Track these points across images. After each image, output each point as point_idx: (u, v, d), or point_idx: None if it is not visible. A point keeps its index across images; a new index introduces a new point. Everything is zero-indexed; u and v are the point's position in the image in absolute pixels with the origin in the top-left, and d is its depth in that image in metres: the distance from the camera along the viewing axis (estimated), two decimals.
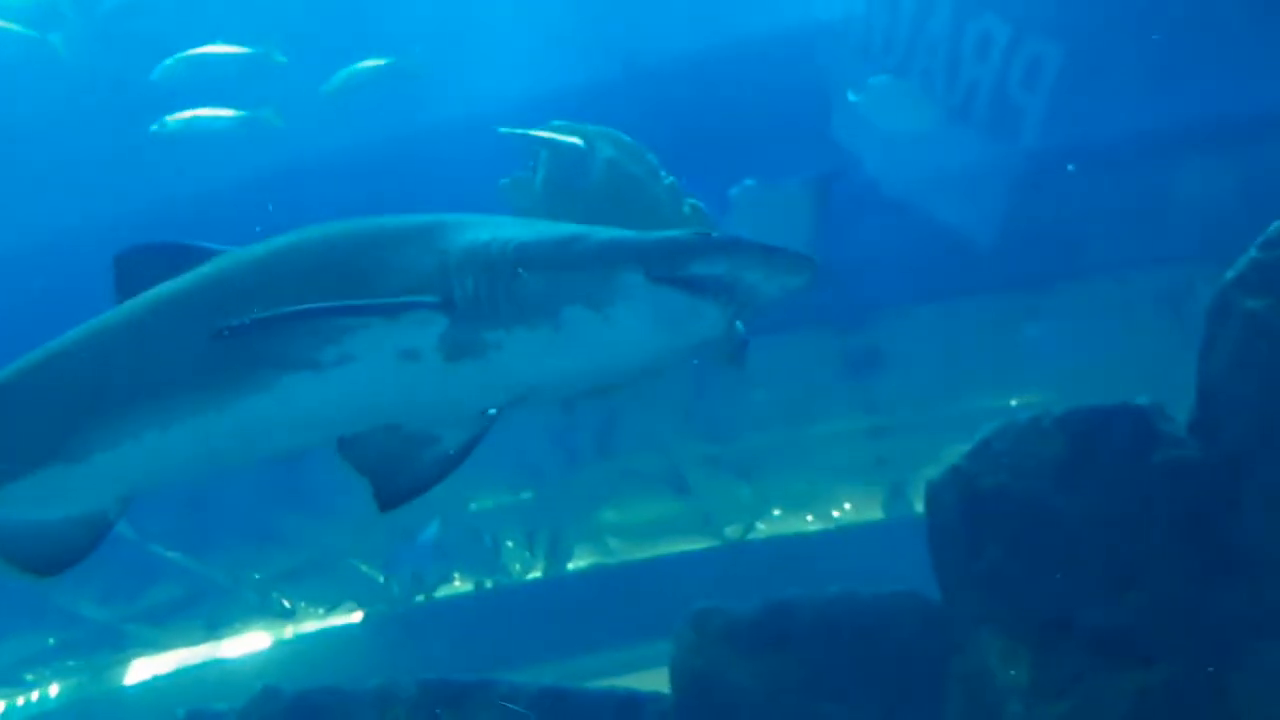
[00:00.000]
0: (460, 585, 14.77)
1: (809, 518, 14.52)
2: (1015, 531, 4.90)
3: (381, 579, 14.39)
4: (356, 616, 15.39)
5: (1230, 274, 4.81)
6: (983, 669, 4.71)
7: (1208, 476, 4.75)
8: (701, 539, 14.24)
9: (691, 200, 5.71)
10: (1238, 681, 4.38)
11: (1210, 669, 4.44)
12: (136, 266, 3.42)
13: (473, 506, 13.70)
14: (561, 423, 12.56)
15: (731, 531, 14.23)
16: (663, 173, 5.68)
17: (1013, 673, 4.57)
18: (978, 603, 4.93)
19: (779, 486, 13.76)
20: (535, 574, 15.10)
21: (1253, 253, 4.79)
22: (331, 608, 15.36)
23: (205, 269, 3.31)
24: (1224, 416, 4.80)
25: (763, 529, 14.49)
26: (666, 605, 5.79)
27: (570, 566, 15.37)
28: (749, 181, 6.42)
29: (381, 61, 8.40)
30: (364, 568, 14.84)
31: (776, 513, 14.35)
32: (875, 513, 14.08)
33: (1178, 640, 4.55)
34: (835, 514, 14.69)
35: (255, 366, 3.01)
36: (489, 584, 15.10)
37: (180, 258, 3.38)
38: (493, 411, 3.21)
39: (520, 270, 2.96)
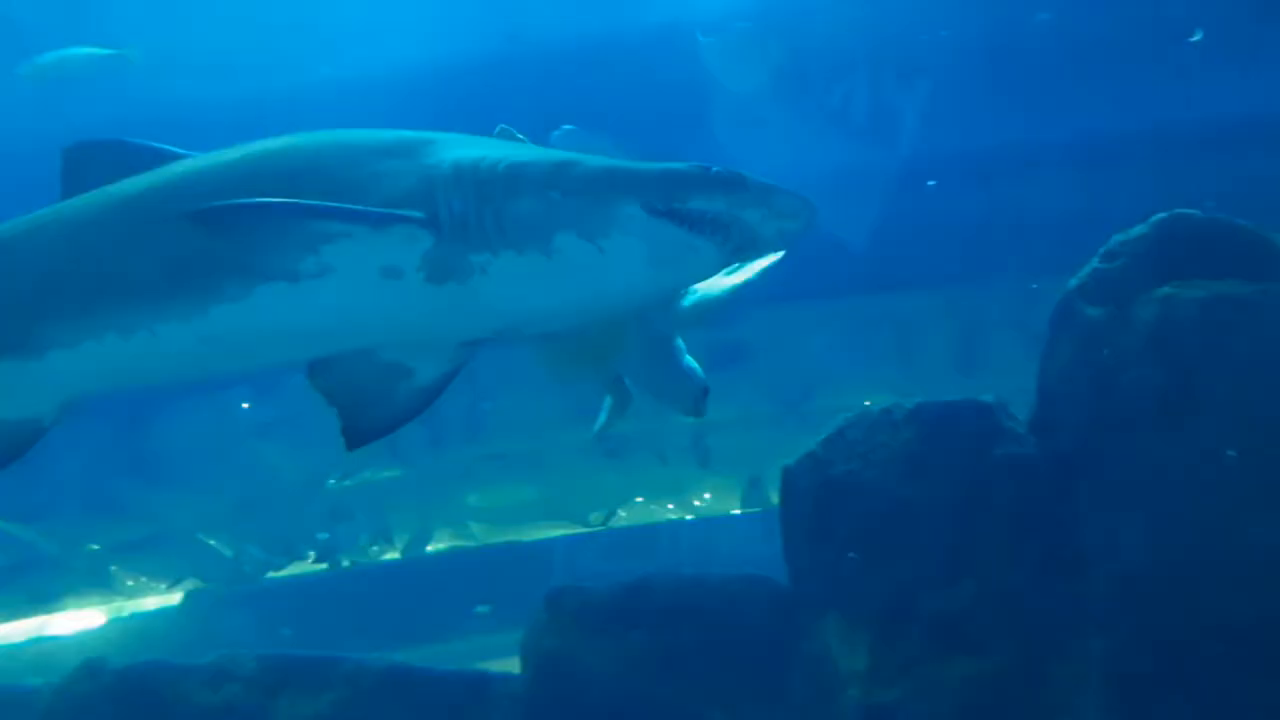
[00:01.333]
0: (315, 564, 14.31)
1: (670, 506, 14.64)
2: (862, 518, 5.00)
3: (230, 554, 13.81)
4: (201, 592, 14.71)
5: (1073, 282, 5.03)
6: (825, 654, 4.77)
7: (1043, 472, 4.95)
8: (565, 524, 14.20)
9: None
10: (1058, 670, 4.58)
11: (1034, 657, 4.64)
12: (85, 163, 3.13)
13: (330, 484, 13.30)
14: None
15: (595, 518, 14.23)
16: None
17: (852, 658, 4.66)
18: (824, 588, 5.00)
19: (644, 474, 13.83)
20: (393, 555, 14.76)
21: (1095, 263, 5.02)
22: (174, 583, 14.63)
23: (177, 167, 3.04)
24: (1061, 416, 5.02)
25: (624, 516, 14.54)
26: (530, 590, 5.72)
27: (430, 549, 15.10)
28: (568, 126, 6.34)
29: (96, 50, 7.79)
30: (212, 542, 14.20)
31: (639, 500, 14.42)
32: (735, 504, 14.32)
33: (1008, 629, 4.71)
34: (696, 503, 14.85)
35: (227, 273, 2.78)
36: (346, 563, 14.68)
37: (133, 158, 3.10)
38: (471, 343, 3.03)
39: (512, 191, 2.78)
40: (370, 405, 3.09)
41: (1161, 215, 4.93)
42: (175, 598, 14.82)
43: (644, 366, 3.82)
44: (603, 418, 4.31)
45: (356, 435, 3.08)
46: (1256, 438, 4.38)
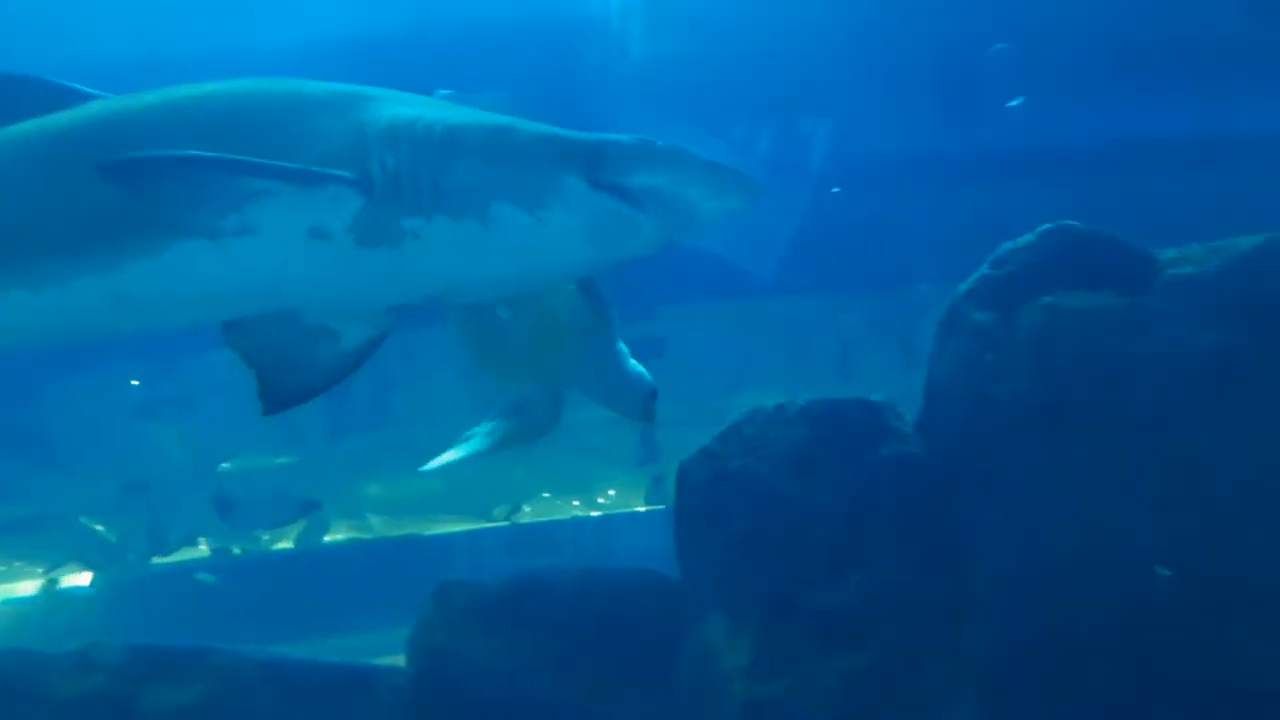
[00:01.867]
0: (205, 551, 13.85)
1: (575, 502, 14.62)
2: (752, 513, 5.02)
3: (114, 538, 13.28)
4: (83, 579, 14.10)
5: (962, 287, 5.15)
6: (710, 649, 4.76)
7: (927, 472, 5.03)
8: (469, 519, 14.03)
9: None
10: (935, 666, 4.67)
11: (913, 653, 4.72)
12: None
13: (225, 467, 12.89)
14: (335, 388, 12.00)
15: (499, 513, 14.10)
16: None
17: (735, 653, 4.67)
18: (712, 583, 5.00)
19: (550, 470, 13.76)
20: (286, 544, 14.38)
21: (984, 269, 5.15)
22: (53, 568, 14.00)
23: (93, 109, 2.82)
24: (946, 418, 5.12)
25: (528, 511, 14.47)
26: (431, 586, 5.57)
27: (327, 539, 14.76)
28: (445, 90, 6.27)
29: None
30: (98, 527, 13.64)
31: (546, 495, 14.37)
32: (640, 501, 14.35)
33: (888, 625, 4.79)
34: (600, 500, 14.86)
35: (144, 229, 2.60)
36: (237, 551, 14.24)
37: (43, 97, 2.88)
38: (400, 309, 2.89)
39: (450, 155, 2.65)
40: (291, 368, 2.96)
41: (1047, 226, 5.06)
42: (56, 582, 14.19)
43: (589, 374, 3.72)
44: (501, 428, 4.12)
45: (275, 399, 2.95)
46: (1124, 444, 4.54)
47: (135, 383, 11.28)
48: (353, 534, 14.91)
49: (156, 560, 13.08)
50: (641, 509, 13.91)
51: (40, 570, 14.28)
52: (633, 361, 3.67)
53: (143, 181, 2.53)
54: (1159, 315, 4.70)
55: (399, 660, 5.14)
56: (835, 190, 8.80)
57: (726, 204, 2.81)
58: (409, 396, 12.58)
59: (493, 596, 4.92)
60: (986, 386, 4.88)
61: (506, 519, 14.35)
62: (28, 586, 14.37)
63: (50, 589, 13.90)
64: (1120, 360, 4.66)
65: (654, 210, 2.73)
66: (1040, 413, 4.72)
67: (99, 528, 13.67)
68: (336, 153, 2.69)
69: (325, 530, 14.97)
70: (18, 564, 14.32)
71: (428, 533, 13.49)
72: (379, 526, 14.62)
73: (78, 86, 2.96)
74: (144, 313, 2.82)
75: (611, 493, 14.70)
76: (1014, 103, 7.73)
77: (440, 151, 2.69)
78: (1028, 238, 5.10)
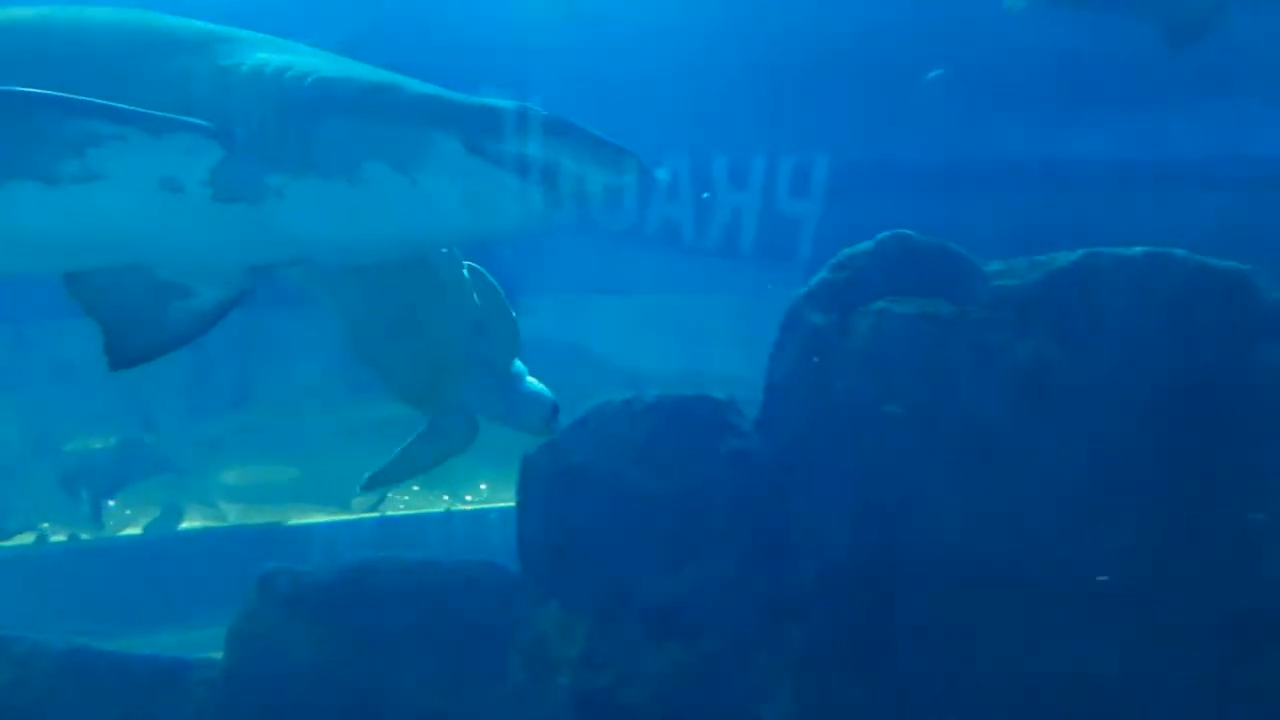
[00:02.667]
0: (38, 535, 13.07)
1: (445, 497, 14.36)
2: (593, 506, 5.02)
3: None
4: None
5: (802, 290, 5.28)
6: (542, 640, 4.74)
7: (764, 468, 5.13)
8: (330, 510, 13.62)
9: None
10: (761, 657, 4.77)
11: (742, 644, 4.81)
12: None
13: (69, 447, 12.20)
14: (191, 366, 11.54)
15: (359, 504, 13.74)
16: None
17: (567, 645, 4.67)
18: (550, 575, 4.99)
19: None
20: (134, 530, 13.71)
21: (824, 273, 5.29)
22: None
23: None
24: (783, 415, 5.23)
25: (403, 505, 14.13)
26: None
27: (182, 527, 14.14)
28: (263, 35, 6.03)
29: None
30: None
31: (416, 488, 14.07)
32: (511, 496, 14.16)
33: (721, 617, 4.87)
34: (468, 497, 14.65)
35: None
36: (85, 536, 13.51)
37: None
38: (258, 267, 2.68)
39: (321, 108, 2.45)
40: (140, 324, 2.75)
41: (885, 234, 5.23)
42: None
43: (486, 396, 3.62)
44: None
45: (122, 355, 2.74)
46: (944, 443, 4.72)
47: None
48: (207, 522, 14.32)
49: None
50: (513, 504, 13.72)
51: None
52: (530, 380, 3.57)
53: None
54: (982, 323, 4.90)
55: None
56: (705, 195, 8.87)
57: (610, 179, 2.69)
58: (272, 380, 12.17)
59: (318, 585, 4.78)
60: (820, 386, 5.01)
61: (373, 510, 14.00)
62: None
63: None
64: (944, 364, 4.85)
65: (534, 181, 2.61)
66: (869, 412, 4.87)
67: None
68: (196, 97, 2.49)
69: (180, 518, 14.34)
70: None
71: (291, 522, 13.06)
72: (234, 515, 14.08)
73: None
74: None
75: (483, 486, 14.49)
76: (932, 75, 7.81)
77: (311, 104, 2.50)
78: (866, 245, 5.25)
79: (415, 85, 2.67)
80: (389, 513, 13.85)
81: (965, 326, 4.88)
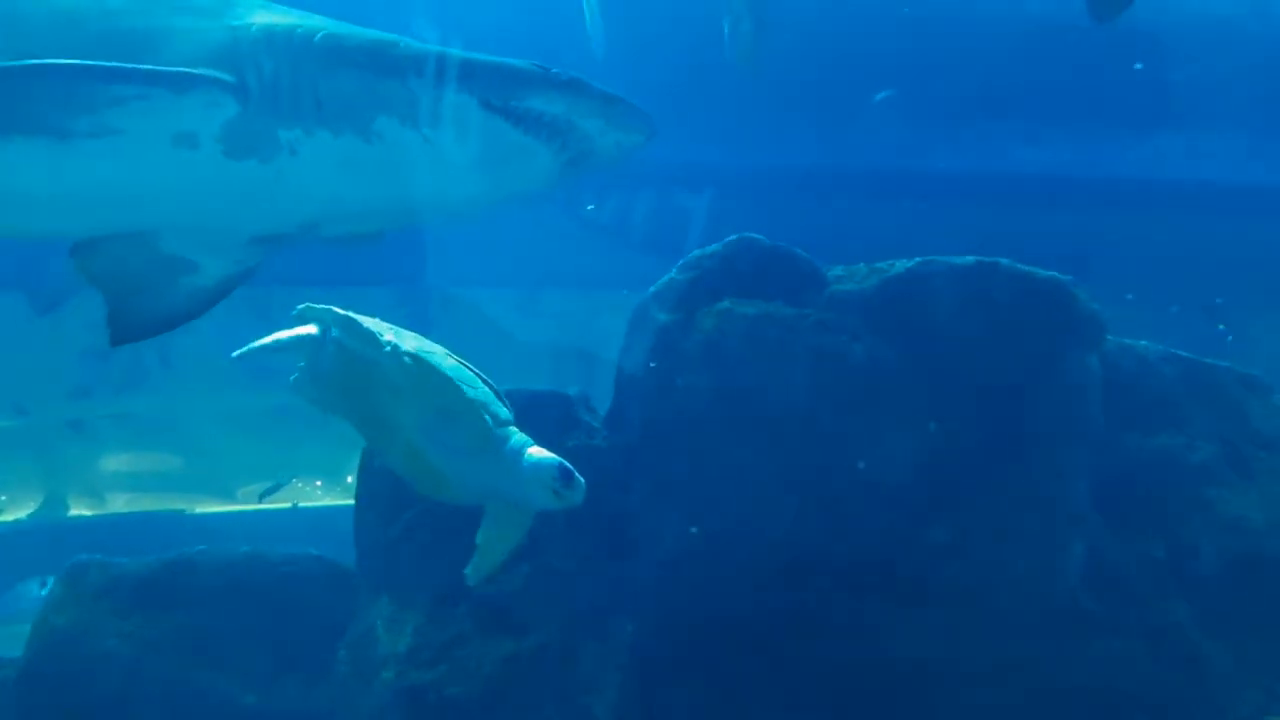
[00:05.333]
0: None
1: (318, 483, 13.96)
2: (429, 500, 4.87)
3: None
4: None
5: (652, 289, 5.18)
6: (371, 634, 4.54)
7: (610, 464, 5.02)
8: (215, 500, 13.12)
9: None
10: (592, 650, 4.66)
11: (573, 638, 4.69)
12: None
13: None
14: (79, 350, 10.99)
15: (244, 495, 13.28)
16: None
17: (395, 640, 4.47)
18: (383, 569, 4.79)
19: (305, 452, 13.07)
20: (18, 515, 13.02)
21: (673, 273, 5.20)
22: None
23: None
24: (629, 412, 5.12)
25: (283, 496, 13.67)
26: None
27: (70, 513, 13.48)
28: None
29: None
30: None
31: (297, 482, 13.63)
32: None
33: (554, 611, 4.75)
34: (350, 479, 14.28)
35: None
36: None
37: None
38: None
39: (333, 62, 2.37)
40: (144, 297, 2.66)
41: (732, 237, 5.16)
42: None
43: (481, 481, 3.12)
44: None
45: (124, 329, 2.65)
46: (779, 439, 4.68)
47: None
48: (94, 510, 13.67)
49: None
50: None
51: None
52: (530, 452, 3.07)
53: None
54: (819, 325, 4.87)
55: None
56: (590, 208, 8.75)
57: (623, 138, 2.61)
58: (162, 365, 11.65)
59: (130, 577, 4.48)
60: (664, 382, 4.92)
61: (261, 500, 13.53)
62: None
63: None
64: (782, 363, 4.80)
65: (549, 139, 2.53)
66: (709, 408, 4.79)
67: None
68: (210, 53, 2.38)
69: (65, 506, 13.67)
70: None
71: (164, 510, 12.52)
72: (120, 504, 13.46)
73: None
74: None
75: (349, 479, 14.10)
76: (881, 95, 7.78)
77: (324, 59, 2.42)
78: (714, 247, 5.17)
79: (428, 44, 2.59)
80: (301, 504, 13.41)
81: (803, 328, 4.84)
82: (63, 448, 12.40)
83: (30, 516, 13.19)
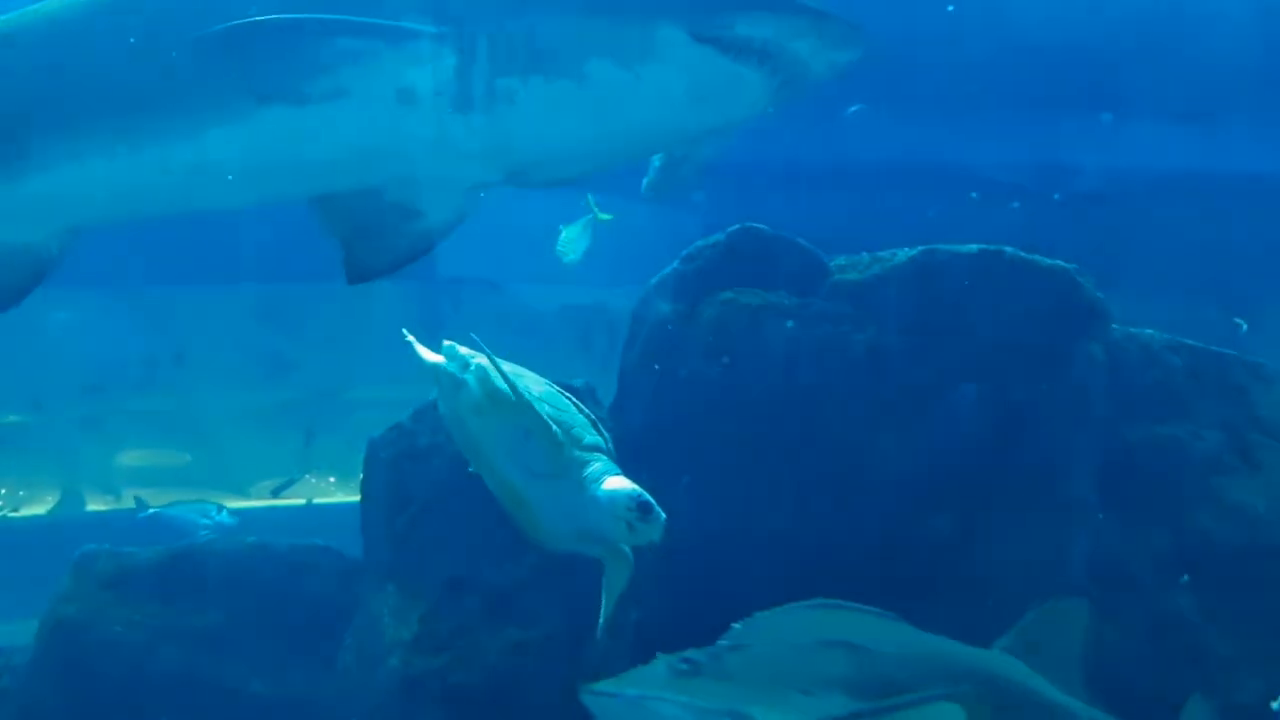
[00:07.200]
0: None
1: (331, 479, 13.99)
2: (437, 490, 4.88)
3: None
4: None
5: (654, 280, 5.19)
6: (377, 624, 4.55)
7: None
8: (225, 496, 13.14)
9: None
10: (597, 639, 4.67)
11: (580, 627, 4.71)
12: None
13: None
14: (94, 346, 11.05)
15: (258, 491, 13.31)
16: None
17: (401, 628, 4.50)
18: (390, 560, 4.80)
19: (319, 448, 13.09)
20: (37, 510, 13.11)
21: (675, 264, 5.21)
22: None
23: None
24: (634, 399, 5.14)
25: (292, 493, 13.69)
26: None
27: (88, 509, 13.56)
28: None
29: None
30: None
31: (312, 479, 13.66)
32: None
33: (561, 600, 4.77)
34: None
35: (232, 92, 2.43)
36: None
37: None
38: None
39: (545, 8, 2.42)
40: (375, 243, 2.82)
41: (736, 227, 5.16)
42: None
43: (558, 516, 3.00)
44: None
45: (358, 271, 2.87)
46: (779, 431, 4.68)
47: None
48: (110, 506, 13.74)
49: None
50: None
51: None
52: (606, 482, 2.87)
53: (244, 47, 2.31)
54: (822, 314, 4.87)
55: None
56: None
57: (835, 57, 2.57)
58: (177, 361, 11.73)
59: (139, 568, 4.52)
60: (667, 372, 4.93)
61: (274, 496, 13.55)
62: None
63: None
64: (785, 352, 4.80)
65: (759, 66, 2.51)
66: (712, 398, 4.80)
67: None
68: (426, 9, 2.47)
69: (82, 502, 13.76)
70: None
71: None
72: (133, 500, 13.52)
73: None
74: (226, 182, 2.59)
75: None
76: (853, 109, 7.78)
77: (538, 5, 2.46)
78: (717, 237, 5.17)
79: None
80: (316, 500, 13.44)
81: (806, 317, 4.84)
82: (78, 444, 12.47)
83: (49, 513, 13.29)
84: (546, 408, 2.83)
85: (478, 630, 4.57)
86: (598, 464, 2.93)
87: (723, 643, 2.63)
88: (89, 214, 2.77)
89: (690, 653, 2.55)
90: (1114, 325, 4.82)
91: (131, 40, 2.56)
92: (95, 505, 13.62)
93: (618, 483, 2.93)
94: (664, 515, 2.85)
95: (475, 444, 3.08)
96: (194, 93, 2.50)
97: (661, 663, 2.53)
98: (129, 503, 13.20)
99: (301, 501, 13.42)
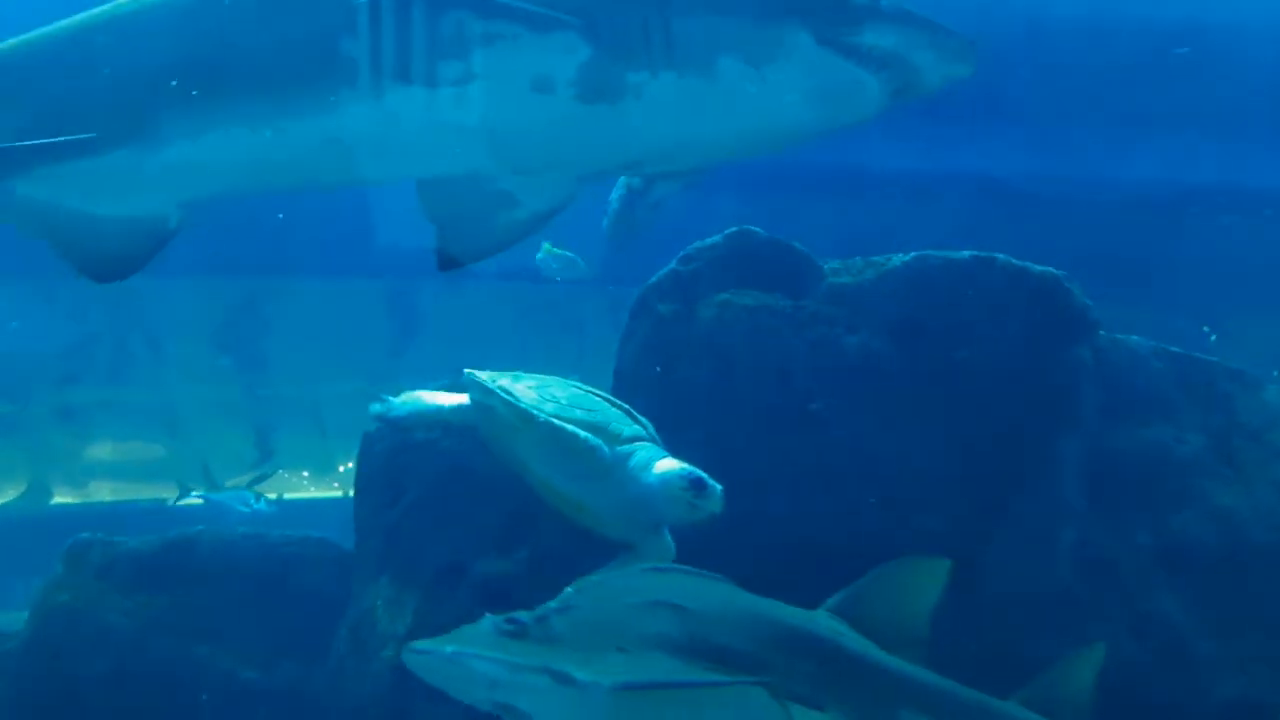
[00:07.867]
0: None
1: (304, 474, 13.91)
2: (432, 484, 4.88)
3: None
4: None
5: (652, 280, 5.24)
6: (370, 615, 4.55)
7: None
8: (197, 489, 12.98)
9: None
10: None
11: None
12: None
13: None
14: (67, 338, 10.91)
15: (230, 485, 13.19)
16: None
17: (395, 620, 4.50)
18: (383, 551, 4.79)
19: (293, 443, 13.02)
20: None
21: (673, 264, 5.25)
22: None
23: None
24: (630, 400, 5.17)
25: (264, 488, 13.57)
26: None
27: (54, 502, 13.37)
28: None
29: None
30: None
31: (283, 472, 13.57)
32: None
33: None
34: (341, 468, 14.26)
35: (367, 69, 2.43)
36: None
37: None
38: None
39: (683, 6, 2.44)
40: (470, 229, 2.86)
41: (732, 230, 5.22)
42: None
43: (616, 501, 3.04)
44: None
45: (448, 258, 2.92)
46: (773, 431, 4.74)
47: None
48: (77, 499, 13.54)
49: None
50: None
51: None
52: (656, 467, 2.90)
53: (385, 22, 2.28)
54: (816, 317, 4.94)
55: None
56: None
57: (950, 70, 2.65)
58: (151, 353, 11.59)
59: (132, 556, 4.49)
60: (664, 373, 4.97)
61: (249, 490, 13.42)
62: None
63: None
64: (780, 353, 4.87)
65: (879, 72, 2.57)
66: (708, 398, 4.85)
67: None
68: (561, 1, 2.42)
69: (49, 494, 13.56)
70: None
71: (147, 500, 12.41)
72: (105, 492, 13.35)
73: None
74: (350, 160, 2.61)
75: (342, 469, 14.07)
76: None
77: (675, 1, 2.46)
78: (714, 239, 5.23)
79: None
80: (287, 495, 13.34)
81: (800, 319, 4.91)
82: (50, 435, 12.29)
83: (11, 503, 13.09)
84: (577, 412, 2.87)
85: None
86: (642, 452, 3.07)
87: (550, 604, 2.66)
88: (214, 187, 2.77)
89: (517, 614, 2.59)
90: (1101, 331, 4.93)
91: (267, 13, 2.57)
92: (63, 498, 13.44)
93: (667, 464, 3.01)
94: (719, 487, 2.99)
95: (522, 462, 3.12)
96: (328, 69, 2.49)
97: (487, 622, 2.59)
98: (100, 495, 13.07)
99: (273, 496, 13.35)
